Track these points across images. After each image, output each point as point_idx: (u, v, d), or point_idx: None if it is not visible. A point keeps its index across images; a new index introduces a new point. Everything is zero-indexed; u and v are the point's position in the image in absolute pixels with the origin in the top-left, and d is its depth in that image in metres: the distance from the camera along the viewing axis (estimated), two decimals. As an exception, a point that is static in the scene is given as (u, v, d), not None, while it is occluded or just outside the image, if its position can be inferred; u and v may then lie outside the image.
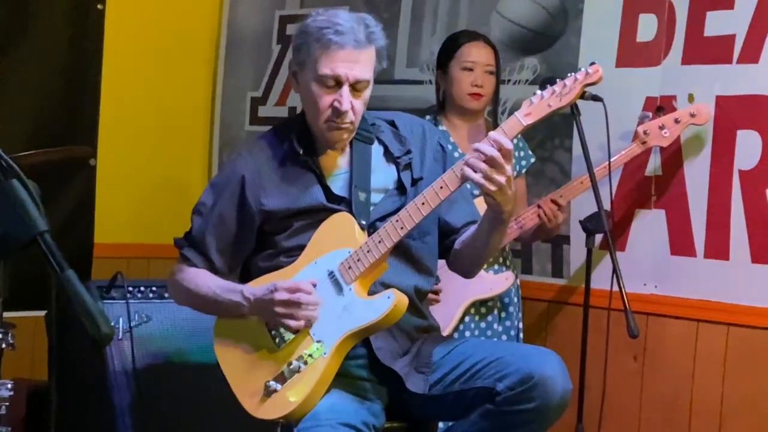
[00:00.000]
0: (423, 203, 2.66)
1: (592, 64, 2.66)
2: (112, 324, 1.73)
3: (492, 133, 2.61)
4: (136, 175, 4.92)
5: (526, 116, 2.64)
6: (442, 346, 2.80)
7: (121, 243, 4.81)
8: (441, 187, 2.66)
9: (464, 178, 2.62)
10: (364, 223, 2.77)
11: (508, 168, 2.58)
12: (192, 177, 5.15)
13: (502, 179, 2.57)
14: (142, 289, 3.69)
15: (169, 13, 4.99)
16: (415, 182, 2.86)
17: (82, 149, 4.27)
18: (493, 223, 2.73)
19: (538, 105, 2.64)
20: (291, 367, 2.71)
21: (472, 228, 2.85)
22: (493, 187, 2.57)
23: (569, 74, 2.66)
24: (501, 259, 3.89)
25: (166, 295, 3.62)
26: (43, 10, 4.47)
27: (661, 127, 3.69)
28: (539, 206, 3.74)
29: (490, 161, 2.56)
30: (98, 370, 3.49)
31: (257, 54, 5.08)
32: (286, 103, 4.94)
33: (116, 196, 4.79)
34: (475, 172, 2.57)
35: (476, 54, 3.82)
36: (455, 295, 3.69)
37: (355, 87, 2.76)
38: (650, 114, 3.75)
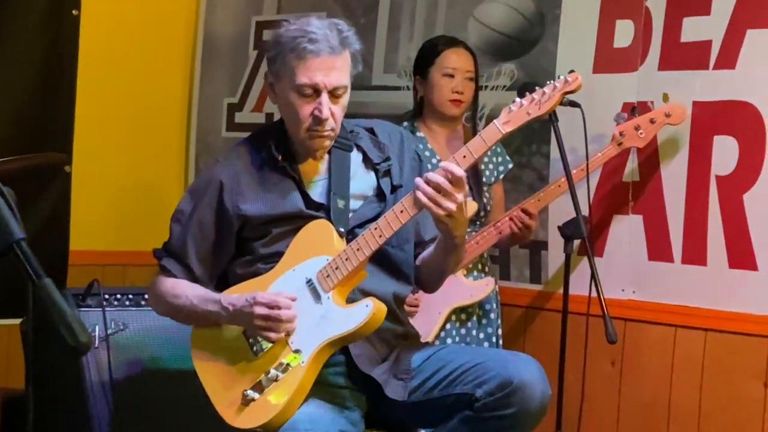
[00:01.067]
0: (402, 211, 2.65)
1: (571, 72, 2.66)
2: (89, 332, 1.70)
3: (443, 163, 2.62)
4: (111, 182, 4.90)
5: (504, 124, 2.64)
6: (421, 353, 2.79)
7: (96, 250, 4.79)
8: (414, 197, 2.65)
9: None
10: (342, 230, 2.76)
11: (459, 195, 2.59)
12: (168, 184, 5.13)
13: (451, 206, 2.58)
14: (118, 296, 3.67)
15: (144, 18, 4.97)
16: (394, 189, 2.86)
17: (57, 156, 4.23)
18: (445, 246, 2.76)
19: (517, 113, 2.64)
20: (269, 375, 2.69)
21: (431, 248, 2.86)
22: (441, 212, 2.58)
23: (549, 82, 2.65)
24: (480, 266, 3.89)
25: (143, 302, 3.61)
26: (18, 16, 4.43)
27: (637, 128, 3.70)
28: (512, 218, 3.73)
29: (437, 188, 2.57)
30: (74, 379, 3.47)
31: (234, 60, 5.07)
32: (263, 109, 4.92)
33: (92, 203, 4.76)
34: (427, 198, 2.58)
35: (457, 60, 3.82)
36: (436, 303, 3.69)
37: (334, 93, 2.75)
38: (625, 115, 3.76)
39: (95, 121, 4.74)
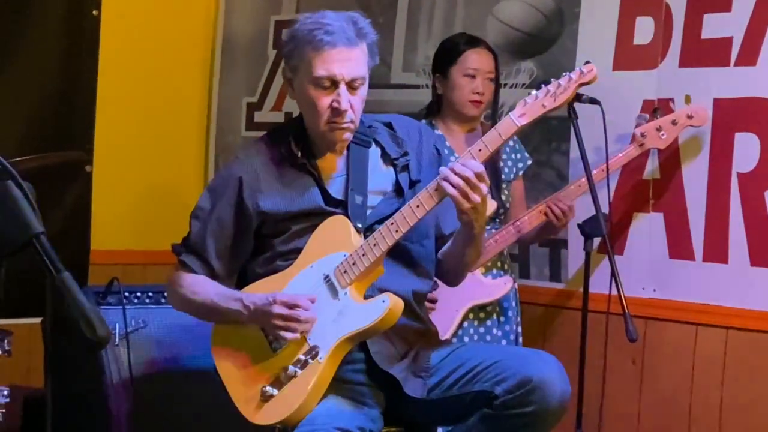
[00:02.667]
0: (418, 206, 2.65)
1: (587, 63, 2.65)
2: (108, 326, 1.69)
3: (461, 159, 2.61)
4: (132, 182, 4.90)
5: (520, 117, 2.63)
6: (440, 350, 2.79)
7: (117, 250, 4.80)
8: (436, 189, 2.65)
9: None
10: (360, 226, 2.75)
11: (484, 188, 2.59)
12: (188, 183, 5.13)
13: (477, 198, 2.58)
14: (138, 294, 3.67)
15: (164, 19, 4.97)
16: (413, 184, 2.85)
17: (78, 154, 4.25)
18: (465, 238, 2.76)
19: (532, 105, 2.63)
20: (287, 372, 2.69)
21: (451, 241, 2.86)
22: (468, 204, 2.59)
23: (564, 74, 2.64)
24: (499, 264, 3.88)
25: (163, 300, 3.61)
26: (39, 16, 4.45)
27: (659, 129, 3.68)
28: (549, 206, 3.72)
29: (466, 180, 2.57)
30: (94, 377, 3.47)
31: (253, 59, 5.07)
32: (282, 108, 4.92)
33: (112, 202, 4.77)
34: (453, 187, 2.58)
35: (479, 61, 3.80)
36: (454, 300, 3.68)
37: (352, 85, 2.75)
38: (647, 116, 3.74)
39: (115, 121, 4.75)
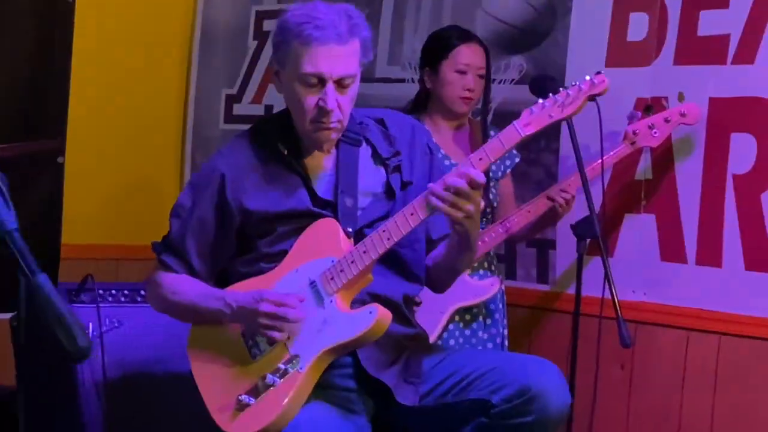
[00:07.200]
0: (412, 214, 2.52)
1: (598, 73, 2.53)
2: (89, 336, 1.55)
3: (462, 166, 2.49)
4: (105, 174, 4.81)
5: (525, 126, 2.50)
6: (432, 356, 2.67)
7: (89, 244, 4.71)
8: (427, 202, 2.52)
9: None
10: (350, 230, 2.64)
11: (478, 197, 2.47)
12: (164, 176, 5.05)
13: (470, 208, 2.46)
14: (113, 292, 3.56)
15: (141, 6, 4.87)
16: (404, 186, 2.73)
17: (49, 143, 4.12)
18: (459, 245, 2.64)
19: (538, 114, 2.50)
20: (265, 381, 2.57)
21: (441, 248, 2.75)
22: (460, 215, 2.47)
23: (573, 83, 2.51)
24: (486, 264, 3.77)
25: (139, 299, 3.52)
26: (10, 2, 4.33)
27: (651, 127, 3.60)
28: (552, 197, 3.63)
29: (457, 192, 2.45)
30: (67, 379, 3.37)
31: (232, 50, 4.96)
32: (262, 101, 4.82)
33: (85, 195, 4.67)
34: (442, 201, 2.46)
35: (470, 56, 3.69)
36: (439, 302, 3.56)
37: (341, 83, 2.62)
38: (639, 113, 3.66)
39: (89, 112, 4.65)
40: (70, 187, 4.53)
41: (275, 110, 4.66)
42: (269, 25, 4.77)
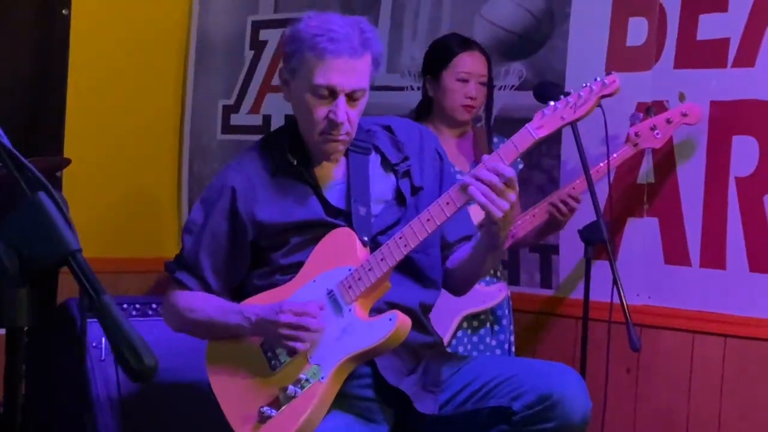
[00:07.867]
0: (428, 220, 2.53)
1: (609, 74, 2.54)
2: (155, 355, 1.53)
3: (491, 163, 2.48)
4: (103, 186, 4.76)
5: (538, 129, 2.51)
6: (450, 364, 2.68)
7: (88, 257, 4.61)
8: (447, 203, 2.53)
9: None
10: (366, 238, 2.63)
11: (512, 194, 2.47)
12: (161, 188, 5.00)
13: (506, 205, 2.46)
14: (124, 306, 3.56)
15: (136, 18, 4.83)
16: (415, 191, 2.74)
17: (56, 160, 4.09)
18: (488, 248, 2.63)
19: (551, 117, 2.51)
20: (287, 392, 2.57)
21: (465, 249, 2.75)
22: (497, 211, 2.46)
23: (584, 84, 2.53)
24: (492, 270, 3.77)
25: (150, 312, 3.50)
26: (6, 15, 4.31)
27: (653, 128, 3.60)
28: (552, 204, 3.63)
29: (493, 187, 2.45)
30: (81, 395, 3.34)
31: (229, 60, 4.92)
32: (260, 111, 4.76)
33: (83, 207, 4.59)
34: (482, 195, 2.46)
35: (472, 64, 3.69)
36: (448, 309, 3.55)
37: (352, 96, 2.63)
38: (641, 115, 3.66)
39: (86, 124, 4.61)
40: (68, 200, 4.47)
41: (274, 120, 4.70)
42: (265, 34, 4.75)
